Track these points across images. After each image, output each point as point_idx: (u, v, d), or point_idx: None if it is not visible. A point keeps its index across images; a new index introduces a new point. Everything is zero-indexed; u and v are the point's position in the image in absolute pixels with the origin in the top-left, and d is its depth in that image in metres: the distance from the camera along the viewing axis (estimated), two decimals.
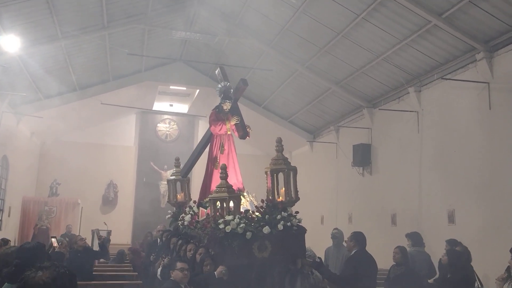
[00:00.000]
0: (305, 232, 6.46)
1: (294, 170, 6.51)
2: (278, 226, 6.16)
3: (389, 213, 11.64)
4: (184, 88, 17.77)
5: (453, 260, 6.20)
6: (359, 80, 12.20)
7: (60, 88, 13.95)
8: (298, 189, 6.46)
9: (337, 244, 8.45)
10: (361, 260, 5.88)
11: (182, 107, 19.32)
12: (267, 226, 6.10)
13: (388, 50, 10.44)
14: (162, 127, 19.52)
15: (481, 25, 8.56)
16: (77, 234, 14.95)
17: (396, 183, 11.52)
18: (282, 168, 6.44)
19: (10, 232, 14.04)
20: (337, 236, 8.49)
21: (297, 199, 6.43)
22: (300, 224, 6.45)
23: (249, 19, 12.05)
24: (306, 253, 6.44)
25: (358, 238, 6.08)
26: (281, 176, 6.44)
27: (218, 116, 7.93)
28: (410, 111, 10.97)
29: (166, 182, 18.23)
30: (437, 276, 7.29)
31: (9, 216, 14.18)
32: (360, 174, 13.09)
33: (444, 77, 9.74)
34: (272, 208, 6.36)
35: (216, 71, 8.59)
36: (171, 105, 19.26)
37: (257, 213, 6.48)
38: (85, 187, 17.26)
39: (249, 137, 8.04)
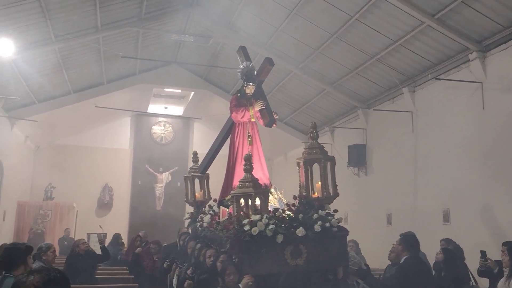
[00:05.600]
0: (347, 234, 5.59)
1: (332, 160, 5.53)
2: (315, 227, 5.23)
3: (384, 213, 11.67)
4: (179, 91, 17.77)
5: (448, 258, 6.24)
6: (353, 81, 12.23)
7: (54, 91, 13.93)
8: (337, 183, 5.51)
9: None
10: (412, 269, 4.85)
11: (177, 109, 19.29)
12: (301, 228, 5.19)
13: (381, 51, 10.48)
14: (157, 129, 19.49)
15: (474, 25, 8.62)
16: (73, 237, 14.96)
17: (391, 183, 11.55)
18: (317, 158, 5.43)
19: (5, 236, 13.96)
20: None
21: (336, 194, 5.54)
22: (340, 224, 5.55)
23: (243, 21, 12.06)
24: (350, 260, 5.55)
25: (408, 242, 5.05)
26: (316, 167, 5.45)
27: (239, 102, 6.99)
28: (404, 112, 11.02)
29: (161, 185, 18.56)
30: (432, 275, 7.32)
31: (4, 220, 14.11)
32: (355, 175, 13.12)
33: (437, 77, 9.79)
34: (307, 206, 5.42)
35: (237, 51, 7.77)
36: (166, 108, 19.23)
37: (288, 212, 5.56)
38: (80, 191, 17.20)
39: (275, 124, 7.09)
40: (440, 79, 9.68)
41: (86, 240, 12.90)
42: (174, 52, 15.30)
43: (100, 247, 8.39)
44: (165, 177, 18.74)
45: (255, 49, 12.80)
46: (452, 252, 6.48)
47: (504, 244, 5.53)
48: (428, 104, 10.43)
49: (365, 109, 12.85)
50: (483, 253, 5.98)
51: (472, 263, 6.66)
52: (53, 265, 5.90)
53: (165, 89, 17.46)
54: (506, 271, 5.32)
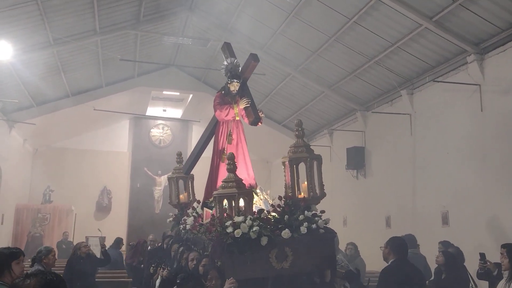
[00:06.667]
0: (335, 236, 5.37)
1: (319, 159, 5.39)
2: (301, 228, 5.04)
3: (383, 216, 11.67)
4: (178, 93, 17.75)
5: (448, 260, 6.23)
6: (352, 84, 12.25)
7: (53, 94, 13.92)
8: (323, 183, 5.34)
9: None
10: (397, 273, 4.58)
11: (176, 112, 19.30)
12: (287, 229, 5.01)
13: (380, 53, 10.50)
14: (156, 132, 19.48)
15: (472, 27, 8.63)
16: (71, 240, 14.92)
17: (390, 185, 11.56)
18: (303, 156, 5.31)
19: (4, 240, 13.92)
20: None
21: (323, 195, 5.36)
22: (327, 226, 5.30)
23: (242, 24, 12.07)
24: (338, 263, 5.42)
25: (395, 245, 4.78)
26: (302, 167, 5.28)
27: (224, 99, 6.75)
28: (403, 114, 11.03)
29: (160, 188, 18.53)
30: (432, 277, 7.31)
31: (2, 224, 14.07)
32: (354, 177, 13.12)
33: (436, 79, 9.80)
34: (293, 207, 5.22)
35: (221, 47, 7.52)
36: (164, 110, 19.23)
37: (273, 214, 5.36)
38: (78, 194, 17.17)
39: (261, 123, 6.84)
40: (438, 82, 9.70)
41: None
42: (173, 54, 15.30)
43: (102, 251, 8.35)
44: (163, 180, 18.66)
45: (253, 51, 12.80)
46: (452, 255, 6.48)
47: (503, 246, 5.51)
48: (426, 107, 10.44)
49: (364, 111, 12.86)
50: (482, 256, 5.95)
51: (471, 265, 6.66)
52: (52, 268, 5.88)
53: (164, 92, 17.45)
54: (505, 273, 5.31)
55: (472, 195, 8.89)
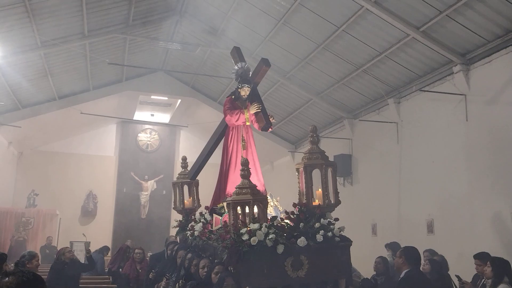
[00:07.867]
0: (351, 244, 5.34)
1: (334, 166, 5.33)
2: (317, 237, 4.99)
3: (369, 223, 11.73)
4: (166, 98, 17.72)
5: (434, 269, 6.29)
6: (339, 91, 12.33)
7: (39, 97, 13.80)
8: (338, 191, 5.30)
9: None
10: (415, 283, 4.62)
11: (164, 117, 19.24)
12: (303, 237, 4.94)
13: (368, 62, 10.59)
14: (143, 137, 19.39)
15: (458, 38, 8.76)
16: (55, 245, 14.75)
17: (377, 193, 11.63)
18: (319, 163, 5.22)
19: None
20: None
21: (338, 202, 5.32)
22: (343, 234, 5.28)
23: (231, 30, 12.12)
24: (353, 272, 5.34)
25: (410, 255, 4.78)
26: (317, 173, 5.18)
27: (234, 104, 6.72)
28: (390, 122, 11.13)
29: (147, 193, 18.44)
30: None
31: None
32: (341, 185, 13.15)
33: (422, 89, 9.91)
34: (307, 215, 5.15)
35: (231, 52, 7.51)
36: (152, 115, 19.17)
37: (286, 221, 5.30)
38: (63, 198, 17.00)
39: (271, 128, 6.86)
40: (424, 91, 9.81)
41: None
42: (161, 59, 15.28)
43: (86, 257, 8.28)
44: (150, 185, 18.62)
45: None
46: (438, 263, 6.54)
47: (477, 256, 5.63)
48: (413, 115, 10.55)
49: (351, 119, 12.95)
50: (458, 277, 6.01)
51: (455, 273, 6.72)
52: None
53: (152, 97, 17.40)
54: (488, 282, 5.37)
55: (457, 203, 8.98)
